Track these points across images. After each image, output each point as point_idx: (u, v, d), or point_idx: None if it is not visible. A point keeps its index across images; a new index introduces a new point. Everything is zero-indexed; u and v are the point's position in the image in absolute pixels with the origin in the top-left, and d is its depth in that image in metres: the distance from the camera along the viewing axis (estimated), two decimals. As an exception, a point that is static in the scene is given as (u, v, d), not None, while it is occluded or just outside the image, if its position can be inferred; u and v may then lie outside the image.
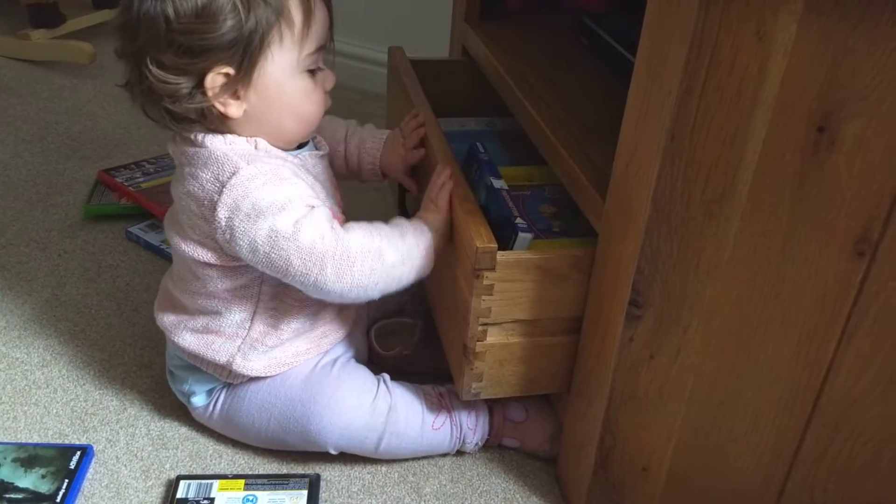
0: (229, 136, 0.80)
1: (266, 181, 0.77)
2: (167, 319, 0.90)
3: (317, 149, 0.89)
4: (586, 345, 0.81)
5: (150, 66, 0.75)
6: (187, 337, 0.88)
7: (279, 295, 0.86)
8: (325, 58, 0.84)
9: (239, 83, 0.77)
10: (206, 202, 0.78)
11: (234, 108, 0.78)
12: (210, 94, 0.77)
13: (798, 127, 0.59)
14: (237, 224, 0.77)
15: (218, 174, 0.78)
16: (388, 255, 0.79)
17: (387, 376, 0.92)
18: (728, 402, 0.72)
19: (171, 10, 0.73)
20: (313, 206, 0.79)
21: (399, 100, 1.11)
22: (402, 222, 0.84)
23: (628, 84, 0.69)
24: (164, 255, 1.23)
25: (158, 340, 1.07)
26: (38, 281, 1.17)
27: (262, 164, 0.79)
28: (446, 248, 0.85)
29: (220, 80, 0.76)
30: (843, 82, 0.56)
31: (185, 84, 0.76)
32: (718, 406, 0.73)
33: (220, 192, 0.77)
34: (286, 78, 0.79)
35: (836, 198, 0.60)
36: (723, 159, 0.63)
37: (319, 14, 0.79)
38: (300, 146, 0.88)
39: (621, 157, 0.71)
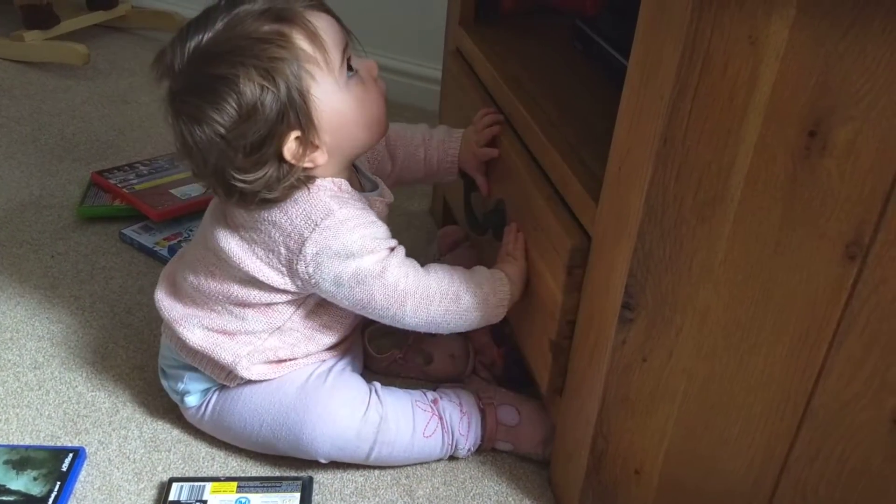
0: (315, 181, 0.82)
1: (357, 224, 0.81)
2: (176, 310, 0.89)
3: (383, 196, 0.92)
4: (579, 347, 0.81)
5: (236, 177, 0.77)
6: (197, 332, 0.88)
7: (309, 321, 0.88)
8: (356, 48, 0.84)
9: (310, 135, 0.78)
10: (293, 235, 0.80)
11: (319, 156, 0.80)
12: (295, 161, 0.78)
13: (790, 131, 0.59)
14: (324, 261, 0.80)
15: (310, 213, 0.80)
16: (463, 300, 0.84)
17: (378, 385, 0.92)
18: (720, 405, 0.73)
19: (219, 128, 0.75)
20: (394, 248, 0.84)
21: (459, 98, 1.12)
22: (481, 271, 0.87)
23: (621, 88, 0.69)
24: (157, 257, 1.23)
25: (151, 342, 1.07)
26: (30, 282, 1.17)
27: (352, 208, 0.82)
28: (522, 298, 0.89)
29: (295, 145, 0.78)
30: (834, 87, 0.57)
31: (270, 171, 0.78)
32: (710, 408, 0.73)
33: (313, 231, 0.80)
34: (339, 100, 0.80)
35: (828, 202, 0.60)
36: (715, 163, 0.63)
37: (323, 25, 0.79)
38: (368, 187, 0.92)
39: (614, 160, 0.72)
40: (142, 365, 1.04)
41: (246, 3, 0.77)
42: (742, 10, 0.57)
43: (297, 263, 0.81)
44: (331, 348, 0.92)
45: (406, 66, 1.79)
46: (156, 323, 0.94)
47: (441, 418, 0.90)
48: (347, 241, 0.80)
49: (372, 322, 1.05)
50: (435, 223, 1.33)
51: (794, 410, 0.69)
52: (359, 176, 0.93)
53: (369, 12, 1.78)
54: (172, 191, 1.33)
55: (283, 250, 0.82)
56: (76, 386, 1.01)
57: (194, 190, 1.32)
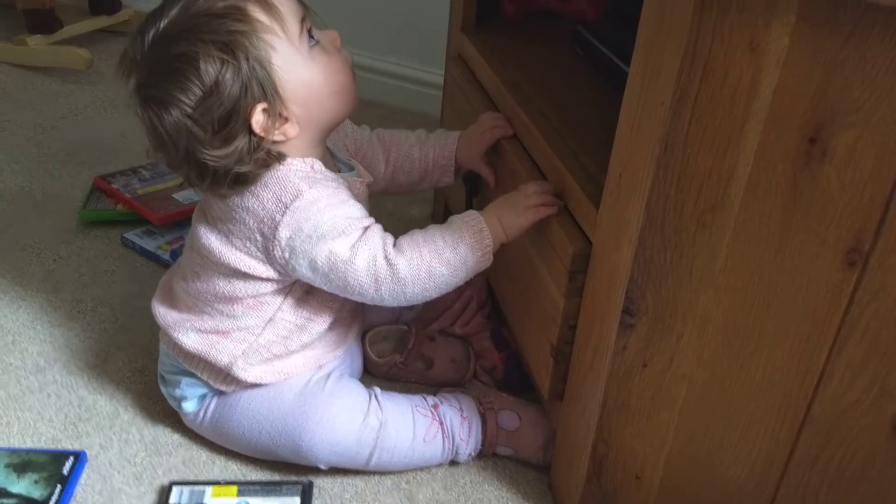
0: (286, 160, 0.81)
1: (327, 204, 0.80)
2: (170, 316, 0.90)
3: (360, 176, 0.91)
4: (580, 353, 0.81)
5: (206, 155, 0.77)
6: (191, 336, 0.88)
7: (300, 310, 0.88)
8: (316, 22, 0.84)
9: (277, 106, 0.78)
10: (266, 220, 0.80)
11: (290, 128, 0.80)
12: (265, 133, 0.78)
13: (790, 138, 0.60)
14: (298, 244, 0.80)
15: (280, 195, 0.80)
16: (438, 274, 0.82)
17: (378, 390, 0.92)
18: (720, 411, 0.73)
19: (185, 108, 0.76)
20: (368, 227, 0.82)
21: (461, 103, 1.12)
22: (458, 225, 0.83)
23: (622, 93, 0.69)
24: (159, 261, 1.23)
25: (152, 346, 1.07)
26: (33, 286, 1.17)
27: (323, 188, 0.81)
28: (523, 303, 0.87)
29: (263, 117, 0.78)
30: (834, 94, 0.57)
31: (239, 144, 0.78)
32: (711, 414, 0.73)
33: (283, 213, 0.79)
34: (303, 69, 0.80)
35: (828, 208, 0.60)
36: (716, 169, 0.63)
37: None
38: (344, 169, 0.91)
39: (615, 166, 0.72)
40: (143, 369, 1.04)
41: None
42: (742, 17, 0.57)
43: (273, 249, 0.81)
44: (328, 350, 0.92)
45: (408, 70, 1.79)
46: (157, 327, 0.94)
47: (441, 423, 0.90)
48: (318, 222, 0.79)
49: (371, 326, 1.05)
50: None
51: (794, 416, 0.69)
52: (334, 160, 0.92)
53: (371, 17, 1.79)
54: (175, 195, 1.34)
55: (258, 237, 0.81)
56: (77, 389, 1.01)
57: (196, 194, 1.32)
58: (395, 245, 0.82)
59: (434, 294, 0.84)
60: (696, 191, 0.65)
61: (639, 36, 0.66)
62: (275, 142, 0.80)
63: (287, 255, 0.80)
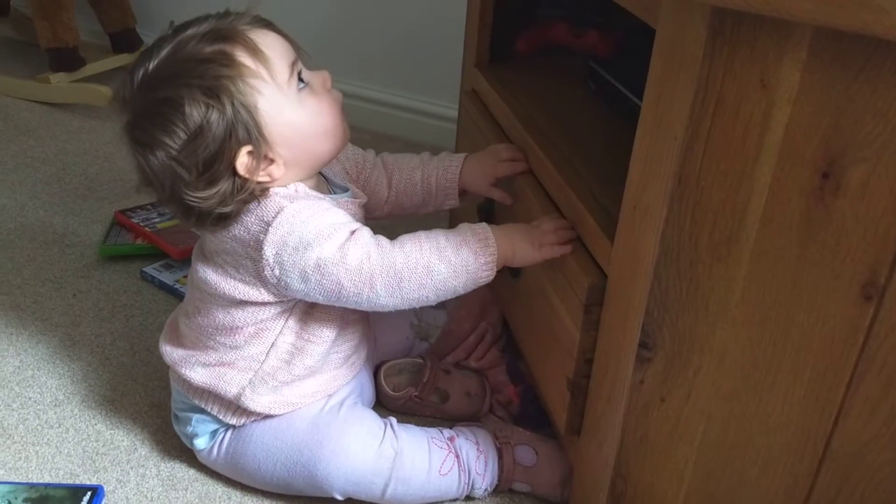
0: (271, 190, 0.82)
1: (310, 215, 0.80)
2: (176, 354, 0.91)
3: (355, 197, 0.92)
4: (597, 387, 0.81)
5: (190, 197, 0.79)
6: (198, 370, 0.89)
7: (300, 332, 0.88)
8: (307, 63, 0.85)
9: (262, 149, 0.79)
10: (251, 242, 0.81)
11: (275, 169, 0.81)
12: (250, 175, 0.80)
13: (803, 172, 0.60)
14: (286, 259, 0.80)
15: (262, 215, 0.80)
16: (437, 271, 0.80)
17: (394, 420, 0.92)
18: (739, 446, 0.72)
19: (170, 150, 0.77)
20: (355, 230, 0.82)
21: (475, 138, 1.12)
22: (464, 230, 0.83)
23: (635, 127, 0.70)
24: (177, 295, 1.24)
25: (169, 381, 1.07)
26: (52, 320, 1.19)
27: (304, 201, 0.82)
28: (537, 336, 0.85)
29: (247, 159, 0.79)
30: (846, 129, 0.57)
31: (223, 186, 0.79)
32: (730, 450, 0.73)
33: (266, 231, 0.80)
34: (289, 113, 0.81)
35: (843, 242, 0.60)
36: (730, 203, 0.64)
37: (268, 42, 0.81)
38: (338, 191, 0.91)
39: (629, 199, 0.72)
40: (160, 403, 1.04)
41: (192, 27, 0.80)
42: (753, 54, 0.57)
43: (263, 270, 0.81)
44: (337, 378, 0.92)
45: (423, 105, 1.81)
46: (175, 361, 0.96)
47: (458, 456, 0.90)
48: (302, 232, 0.79)
49: (386, 360, 1.05)
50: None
51: (813, 451, 0.68)
52: (329, 184, 0.93)
53: (386, 51, 1.81)
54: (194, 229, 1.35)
55: (248, 262, 0.82)
56: (95, 424, 1.01)
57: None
58: (393, 241, 0.82)
59: (432, 295, 0.82)
60: (711, 224, 0.65)
61: (651, 71, 0.66)
62: (259, 182, 0.81)
63: (277, 272, 0.80)
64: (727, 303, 0.67)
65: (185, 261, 1.30)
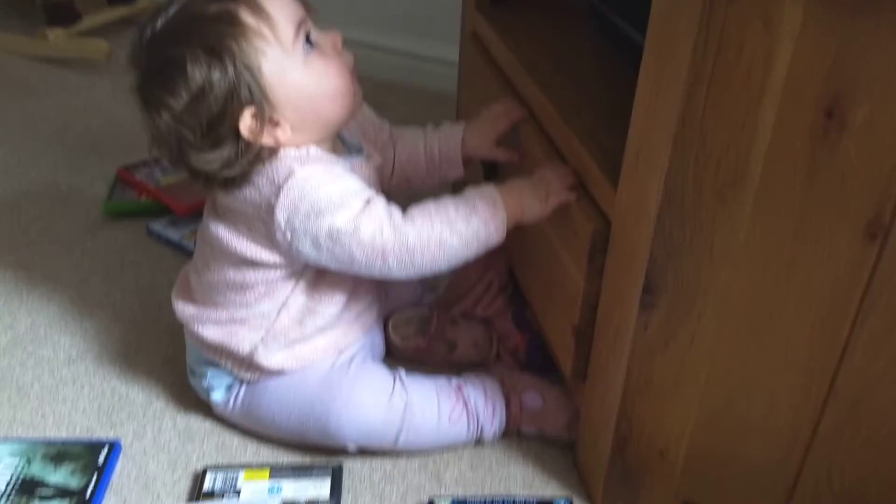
0: (281, 152, 0.82)
1: (321, 180, 0.80)
2: (188, 310, 0.92)
3: (369, 159, 0.91)
4: (601, 333, 0.81)
5: (195, 158, 0.79)
6: (211, 328, 0.90)
7: (311, 292, 0.88)
8: (315, 24, 0.84)
9: (267, 110, 0.78)
10: (263, 205, 0.80)
11: (281, 133, 0.80)
12: (253, 137, 0.79)
13: (807, 112, 0.59)
14: (297, 225, 0.79)
15: (273, 177, 0.80)
16: (448, 243, 0.81)
17: (402, 372, 0.93)
18: (744, 387, 0.73)
19: (175, 112, 0.76)
20: (369, 200, 0.81)
21: (477, 82, 1.11)
22: (473, 197, 0.83)
23: (639, 67, 0.69)
24: (185, 251, 1.25)
25: (182, 336, 1.07)
26: (62, 279, 1.19)
27: (316, 165, 0.81)
28: (543, 284, 0.86)
29: (251, 121, 0.78)
30: (850, 67, 0.56)
31: (228, 149, 0.78)
32: (734, 390, 0.73)
33: (278, 194, 0.79)
34: (296, 75, 0.80)
35: (847, 181, 0.60)
36: (733, 145, 0.63)
37: (275, 2, 0.79)
38: (353, 151, 0.90)
39: (632, 144, 0.72)
40: (173, 358, 1.06)
41: None
42: (755, -8, 0.56)
43: (275, 234, 0.81)
44: (348, 335, 0.93)
45: (424, 49, 1.78)
46: (184, 316, 0.97)
47: (466, 404, 0.91)
48: (314, 198, 0.79)
49: (393, 311, 1.06)
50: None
51: (818, 391, 0.69)
52: (344, 145, 0.92)
53: (386, -2, 1.78)
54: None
55: (260, 225, 0.82)
56: (110, 380, 1.03)
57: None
58: (404, 214, 0.82)
59: (444, 265, 0.83)
60: (715, 166, 0.64)
61: (652, 14, 0.65)
62: (265, 145, 0.80)
63: (289, 236, 0.81)
64: (731, 246, 0.67)
65: (190, 217, 1.30)
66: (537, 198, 0.83)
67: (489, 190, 0.84)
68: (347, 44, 0.86)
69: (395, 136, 1.00)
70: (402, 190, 1.02)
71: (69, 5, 1.85)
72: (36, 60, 1.87)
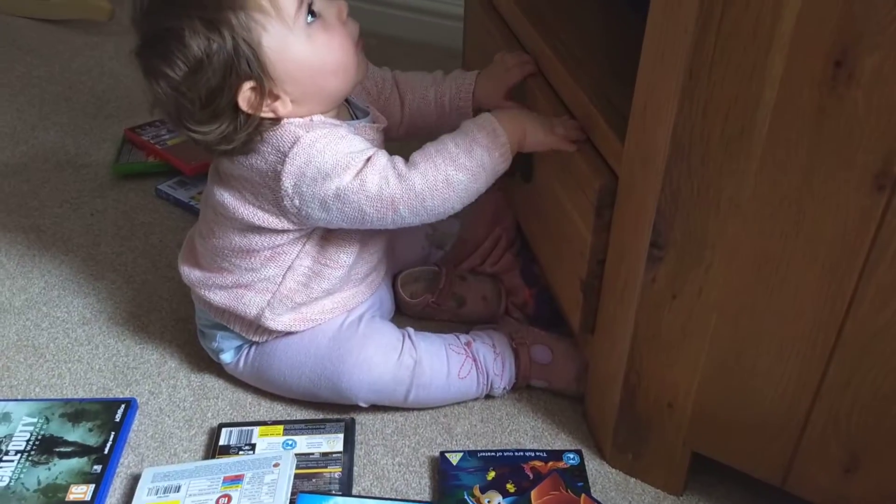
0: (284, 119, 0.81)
1: (326, 143, 0.79)
2: (194, 275, 0.92)
3: (374, 122, 0.90)
4: (609, 286, 0.82)
5: (194, 129, 0.79)
6: (217, 292, 0.90)
7: (317, 256, 0.88)
8: None
9: (267, 84, 0.78)
10: (269, 173, 0.80)
11: (281, 106, 0.80)
12: (252, 110, 0.78)
13: (815, 62, 0.58)
14: (305, 189, 0.79)
15: (278, 145, 0.80)
16: (455, 180, 0.80)
17: (411, 330, 0.94)
18: (751, 338, 0.73)
19: (174, 83, 0.76)
20: (371, 156, 0.81)
21: (482, 37, 1.10)
22: (471, 130, 0.82)
23: (646, 19, 0.68)
24: (193, 211, 1.25)
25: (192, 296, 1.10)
26: (73, 241, 1.20)
27: (320, 129, 0.81)
28: (550, 238, 0.86)
29: (251, 94, 0.78)
30: (859, 16, 0.55)
31: (226, 121, 0.78)
32: (742, 342, 0.74)
33: (283, 162, 0.79)
34: (297, 49, 0.79)
35: (855, 132, 0.59)
36: (741, 96, 0.63)
37: None
38: (359, 114, 0.90)
39: (639, 97, 0.71)
40: (186, 317, 1.07)
41: None
42: (764, -60, 0.55)
43: (282, 200, 0.81)
44: (356, 295, 0.93)
45: (428, 3, 1.76)
46: (196, 276, 0.97)
47: (475, 360, 0.92)
48: (320, 162, 0.79)
49: (402, 268, 1.07)
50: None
51: (825, 340, 0.69)
52: (350, 108, 0.92)
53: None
54: (204, 144, 1.35)
55: (267, 192, 0.82)
56: (124, 339, 1.04)
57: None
58: (407, 162, 0.81)
59: (457, 204, 0.82)
60: (723, 118, 0.64)
61: (659, -37, 0.64)
62: (264, 118, 0.80)
63: (297, 202, 0.81)
64: (739, 198, 0.67)
65: (198, 177, 1.31)
66: (541, 126, 0.83)
67: (486, 118, 0.83)
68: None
69: (403, 85, 0.99)
70: (411, 138, 1.01)
71: (69, -35, 1.83)
72: (39, 22, 1.85)
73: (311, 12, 0.80)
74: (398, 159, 0.82)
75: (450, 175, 0.80)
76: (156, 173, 1.33)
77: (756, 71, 0.61)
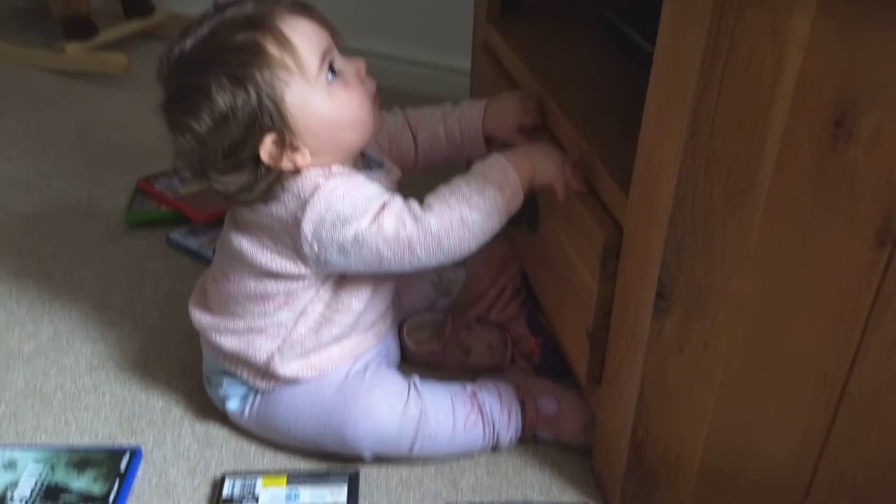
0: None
1: (346, 190, 0.82)
2: (205, 320, 0.93)
3: (389, 172, 0.93)
4: (616, 338, 0.82)
5: (216, 179, 0.81)
6: (228, 337, 0.91)
7: (330, 302, 0.90)
8: (341, 51, 0.85)
9: (288, 137, 0.80)
10: (289, 220, 0.82)
11: (300, 158, 0.82)
12: (273, 162, 0.81)
13: (816, 121, 0.60)
14: (324, 235, 0.81)
15: (299, 193, 0.82)
16: (470, 220, 0.82)
17: (417, 379, 0.94)
18: (757, 392, 0.73)
19: (198, 134, 0.79)
20: (387, 199, 0.83)
21: (489, 92, 1.12)
22: (480, 170, 0.84)
23: (648, 76, 0.70)
24: (204, 259, 1.27)
25: (200, 343, 1.10)
26: (83, 288, 1.21)
27: (339, 178, 0.83)
28: (557, 287, 0.87)
29: (272, 147, 0.80)
30: (858, 76, 0.57)
31: (248, 171, 0.81)
32: (748, 395, 0.74)
33: (304, 209, 0.81)
34: (318, 103, 0.82)
35: (856, 189, 0.60)
36: (743, 153, 0.64)
37: (303, 30, 0.81)
38: (374, 166, 0.93)
39: (643, 152, 0.73)
40: (192, 365, 1.07)
41: (232, 8, 0.81)
42: (764, 3, 0.57)
43: (302, 246, 0.82)
44: (363, 342, 0.94)
45: (437, 58, 1.80)
46: (203, 324, 0.98)
47: (481, 410, 0.92)
48: (339, 208, 0.81)
49: (408, 315, 1.07)
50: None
51: (830, 395, 0.69)
52: (364, 160, 0.94)
53: (399, 7, 1.80)
54: (214, 193, 1.37)
55: (286, 238, 0.83)
56: (130, 387, 1.05)
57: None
58: (422, 204, 0.83)
59: (473, 244, 0.83)
60: (725, 174, 0.65)
61: (662, 23, 0.66)
62: (284, 170, 0.82)
63: (316, 247, 0.82)
64: (742, 252, 0.68)
65: (208, 225, 1.32)
66: (552, 161, 0.84)
67: (495, 158, 0.85)
68: (363, 54, 0.88)
69: (414, 124, 1.01)
70: (429, 170, 1.03)
71: (87, 19, 1.88)
72: (55, 74, 1.90)
73: (331, 70, 0.83)
74: (413, 202, 0.84)
75: (464, 215, 0.82)
76: (167, 222, 1.35)
77: (757, 129, 0.62)
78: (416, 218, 0.82)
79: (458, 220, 0.81)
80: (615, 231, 0.79)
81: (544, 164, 0.85)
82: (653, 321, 0.75)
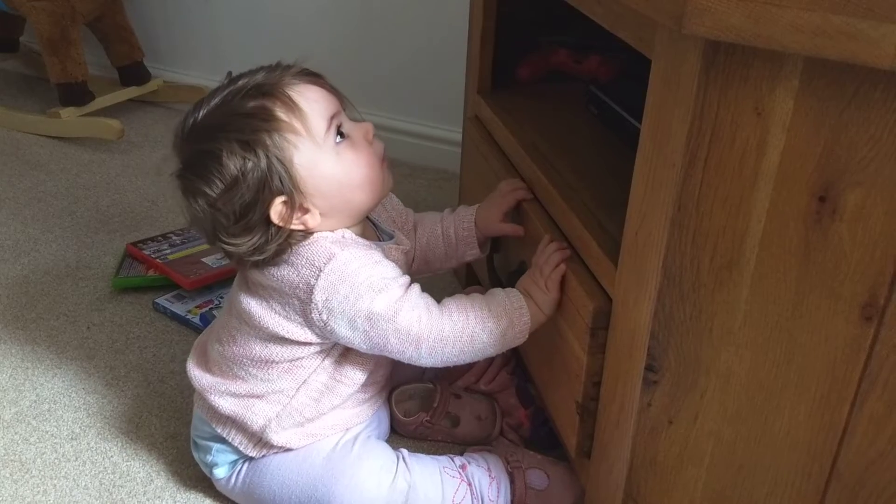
0: (316, 234, 0.85)
1: (362, 264, 0.83)
2: (206, 380, 0.92)
3: (399, 244, 0.94)
4: (605, 410, 0.82)
5: (227, 242, 0.83)
6: (227, 399, 0.90)
7: (333, 373, 0.89)
8: (350, 114, 0.88)
9: (297, 198, 0.82)
10: (301, 285, 0.83)
11: (310, 219, 0.84)
12: (283, 223, 0.82)
13: (800, 197, 0.61)
14: (335, 305, 0.82)
15: (313, 260, 0.83)
16: (479, 340, 0.85)
17: (405, 452, 0.93)
18: (747, 467, 0.73)
19: (211, 199, 0.81)
20: (408, 287, 0.85)
21: (479, 164, 1.15)
22: (500, 300, 0.87)
23: (636, 150, 0.71)
24: (190, 325, 1.26)
25: (185, 411, 1.09)
26: (67, 354, 1.20)
27: (355, 250, 0.84)
28: (546, 360, 0.89)
29: (281, 208, 0.82)
30: (841, 154, 0.58)
31: (258, 233, 0.82)
32: (738, 471, 0.73)
33: (318, 277, 0.82)
34: (327, 165, 0.83)
35: (841, 265, 0.61)
36: (729, 228, 0.65)
37: (312, 96, 0.84)
38: (385, 237, 0.94)
39: (631, 225, 0.73)
40: (175, 433, 1.06)
41: (243, 79, 0.84)
42: (747, 83, 0.59)
43: (311, 312, 0.83)
44: (358, 413, 0.93)
45: (429, 130, 1.83)
46: (188, 391, 0.96)
47: (470, 484, 0.91)
48: (354, 282, 0.82)
49: (397, 385, 1.06)
50: (459, 284, 1.35)
51: (820, 471, 0.69)
52: (376, 230, 0.95)
53: (392, 79, 1.84)
54: (204, 259, 1.37)
55: (296, 302, 0.84)
56: (111, 456, 1.03)
57: (225, 258, 1.35)
58: (440, 305, 0.85)
59: (468, 359, 0.86)
60: (712, 249, 0.66)
61: (647, 102, 0.68)
62: (294, 231, 0.83)
63: (325, 316, 0.82)
64: (730, 326, 0.68)
65: (196, 291, 1.32)
66: (541, 290, 0.86)
67: (515, 294, 0.87)
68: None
69: (417, 221, 1.04)
70: (422, 273, 1.05)
71: (83, 86, 1.90)
72: (49, 139, 1.92)
73: (339, 133, 0.85)
74: (430, 300, 0.86)
75: (476, 332, 0.84)
76: (155, 287, 1.35)
77: (742, 204, 0.63)
78: (432, 317, 0.83)
79: (468, 334, 0.84)
80: (605, 302, 0.79)
81: (543, 300, 0.86)
82: (642, 393, 0.74)
